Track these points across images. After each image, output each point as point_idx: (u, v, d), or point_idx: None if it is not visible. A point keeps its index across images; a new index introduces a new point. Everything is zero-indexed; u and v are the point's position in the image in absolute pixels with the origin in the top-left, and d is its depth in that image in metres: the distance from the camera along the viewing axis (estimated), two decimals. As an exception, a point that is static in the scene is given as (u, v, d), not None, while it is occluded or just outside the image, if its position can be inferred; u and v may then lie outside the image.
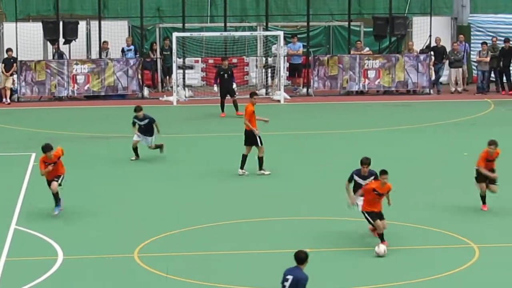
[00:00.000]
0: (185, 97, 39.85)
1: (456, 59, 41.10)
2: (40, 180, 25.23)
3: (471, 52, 42.69)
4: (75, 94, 40.36)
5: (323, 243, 22.43)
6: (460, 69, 42.04)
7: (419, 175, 29.26)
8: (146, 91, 40.99)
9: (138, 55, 40.95)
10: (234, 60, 41.45)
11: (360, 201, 19.43)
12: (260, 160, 27.34)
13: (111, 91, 40.53)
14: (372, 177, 19.91)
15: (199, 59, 42.33)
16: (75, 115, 39.05)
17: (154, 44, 41.83)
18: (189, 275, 20.57)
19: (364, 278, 20.83)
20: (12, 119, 37.48)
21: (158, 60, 41.95)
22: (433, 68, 41.42)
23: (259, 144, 27.34)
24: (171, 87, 40.06)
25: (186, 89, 40.54)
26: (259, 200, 26.33)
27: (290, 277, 14.18)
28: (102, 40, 40.48)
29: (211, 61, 42.06)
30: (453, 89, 42.11)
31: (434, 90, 41.83)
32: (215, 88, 37.07)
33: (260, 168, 27.39)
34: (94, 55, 41.25)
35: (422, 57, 40.71)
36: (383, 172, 18.89)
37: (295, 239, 22.64)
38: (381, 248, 18.71)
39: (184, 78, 40.96)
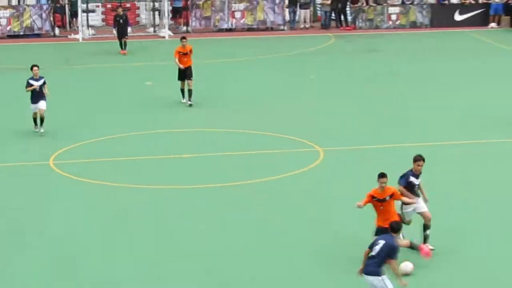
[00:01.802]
0: (89, 35, 45.70)
1: (305, 2, 48.48)
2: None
3: (316, -4, 47.09)
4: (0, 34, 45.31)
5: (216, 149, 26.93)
6: (308, 10, 48.70)
7: (274, 96, 33.88)
8: (57, 31, 46.60)
9: (50, 1, 46.90)
10: (128, 5, 46.70)
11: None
12: (190, 92, 31.70)
13: (29, 31, 45.98)
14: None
15: (100, 4, 48.41)
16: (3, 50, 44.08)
17: (63, -8, 44.27)
18: (101, 178, 24.68)
19: (210, 177, 24.75)
20: None
21: (66, 6, 47.81)
22: (287, 10, 48.33)
23: (191, 78, 31.63)
24: (77, 27, 45.96)
25: (90, 28, 46.36)
26: (168, 112, 31.39)
27: (382, 242, 14.94)
28: (20, -10, 42.31)
29: (109, 5, 47.68)
30: (302, 26, 47.92)
31: (288, 27, 48.09)
32: (114, 31, 42.27)
33: (190, 98, 31.66)
34: (14, 1, 46.41)
35: (277, 0, 47.78)
36: (380, 175, 16.84)
37: (204, 147, 27.49)
38: (409, 267, 16.81)
39: (87, 20, 46.38)
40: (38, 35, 47.20)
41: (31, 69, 26.95)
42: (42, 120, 26.70)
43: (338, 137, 28.11)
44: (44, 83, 26.87)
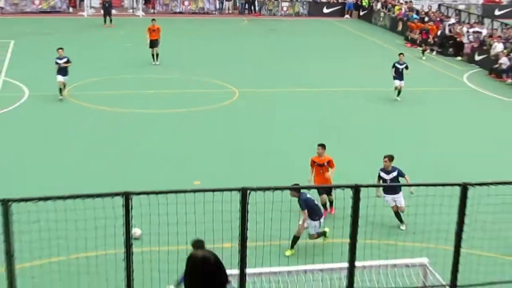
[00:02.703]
0: (91, 12, 48.17)
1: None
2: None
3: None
4: (34, 10, 48.24)
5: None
6: (231, 2, 51.59)
7: (207, 56, 35.05)
8: (70, 9, 50.19)
9: (65, -11, 49.35)
10: (116, -6, 49.57)
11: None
12: (157, 56, 32.48)
13: (52, 9, 49.03)
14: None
15: (98, -8, 50.88)
16: (36, 21, 44.99)
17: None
18: (100, 104, 25.96)
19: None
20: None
21: (77, -9, 50.53)
22: (217, 1, 50.44)
23: (158, 46, 32.20)
24: (85, 7, 48.65)
25: (91, 8, 49.10)
26: (142, 66, 32.30)
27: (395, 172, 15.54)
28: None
29: (104, -6, 49.83)
30: (226, 11, 51.46)
31: (218, 12, 50.34)
32: (101, 11, 44.60)
33: (157, 59, 32.40)
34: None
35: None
36: (319, 145, 16.33)
37: (163, 85, 28.63)
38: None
39: (90, 2, 49.24)
40: (58, 12, 49.76)
41: (57, 50, 25.94)
42: (64, 87, 26.07)
43: (249, 83, 30.17)
44: (68, 61, 25.79)
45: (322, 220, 14.58)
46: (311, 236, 14.59)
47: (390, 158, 15.91)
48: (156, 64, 32.89)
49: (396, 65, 26.98)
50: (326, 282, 10.75)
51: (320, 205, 15.48)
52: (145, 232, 12.73)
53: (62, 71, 25.38)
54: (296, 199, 14.16)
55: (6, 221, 6.73)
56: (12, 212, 6.57)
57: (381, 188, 15.54)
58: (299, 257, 13.01)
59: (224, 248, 8.23)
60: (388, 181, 15.56)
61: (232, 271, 7.12)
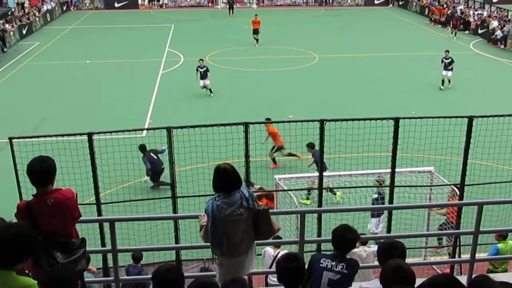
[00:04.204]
0: (222, 6, 45.21)
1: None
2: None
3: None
4: (187, 5, 46.72)
5: None
6: None
7: None
8: (210, 4, 47.16)
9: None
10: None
11: None
12: (257, 40, 29.80)
13: (198, 4, 46.87)
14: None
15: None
16: (188, 12, 42.89)
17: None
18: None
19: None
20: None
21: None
22: None
23: None
24: (219, 2, 46.14)
25: (223, 3, 45.59)
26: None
27: None
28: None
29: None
30: (311, 3, 49.27)
31: None
32: (227, 5, 42.16)
33: (257, 43, 29.61)
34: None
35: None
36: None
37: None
38: None
39: None
40: (202, 5, 47.80)
41: (199, 61, 21.39)
42: (210, 89, 21.34)
43: (324, 50, 28.85)
44: (207, 70, 21.08)
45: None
46: None
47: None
48: (256, 46, 30.22)
49: (443, 59, 22.23)
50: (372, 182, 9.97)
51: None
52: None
53: (204, 76, 21.20)
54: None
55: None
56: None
57: None
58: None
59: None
60: None
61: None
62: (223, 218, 4.59)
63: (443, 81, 22.54)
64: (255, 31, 30.58)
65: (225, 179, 4.63)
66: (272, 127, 14.22)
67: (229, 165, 4.75)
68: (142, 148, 13.42)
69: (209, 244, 4.77)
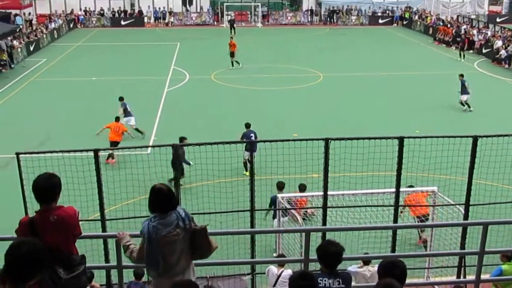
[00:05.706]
0: (227, 25, 44.68)
1: None
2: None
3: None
4: (192, 23, 47.22)
5: None
6: None
7: None
8: (215, 23, 47.10)
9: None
10: None
11: None
12: (237, 62, 28.66)
13: (204, 23, 46.98)
14: None
15: None
16: (193, 31, 43.29)
17: None
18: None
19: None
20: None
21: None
22: None
23: None
24: (224, 21, 46.35)
25: (228, 22, 44.62)
26: None
27: None
28: None
29: None
30: (315, 23, 49.53)
31: None
32: (229, 25, 41.50)
33: (237, 64, 28.59)
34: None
35: None
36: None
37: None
38: None
39: (227, 18, 45.62)
40: (208, 24, 48.02)
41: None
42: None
43: (329, 69, 28.71)
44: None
45: None
46: None
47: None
48: (232, 69, 28.56)
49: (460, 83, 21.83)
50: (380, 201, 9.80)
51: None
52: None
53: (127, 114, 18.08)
54: None
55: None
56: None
57: None
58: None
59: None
60: None
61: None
62: (159, 239, 4.55)
63: (461, 103, 22.15)
64: (232, 54, 28.92)
65: (160, 199, 4.60)
66: None
67: (165, 185, 4.71)
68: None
69: (151, 266, 4.64)
